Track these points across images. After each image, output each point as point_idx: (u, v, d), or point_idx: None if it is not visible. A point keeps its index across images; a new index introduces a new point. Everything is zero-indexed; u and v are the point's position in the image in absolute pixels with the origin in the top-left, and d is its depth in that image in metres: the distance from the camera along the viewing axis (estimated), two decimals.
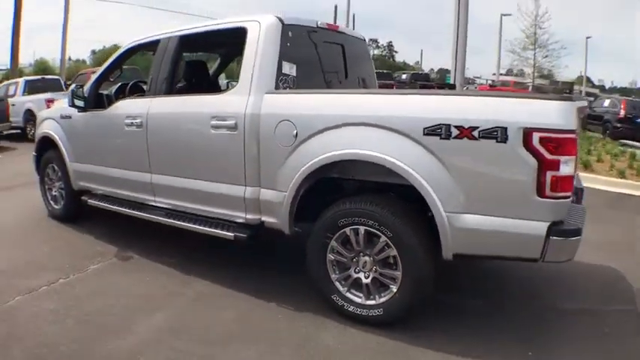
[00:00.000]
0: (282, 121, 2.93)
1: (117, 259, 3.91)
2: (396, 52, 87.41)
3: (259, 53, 3.13)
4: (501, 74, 39.64)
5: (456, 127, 2.37)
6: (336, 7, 37.06)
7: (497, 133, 2.30)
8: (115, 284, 3.41)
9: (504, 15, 35.11)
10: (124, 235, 4.34)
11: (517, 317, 2.97)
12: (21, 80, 13.54)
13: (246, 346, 2.60)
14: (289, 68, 3.21)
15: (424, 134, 2.45)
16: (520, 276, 3.63)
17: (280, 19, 3.19)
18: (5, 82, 14.86)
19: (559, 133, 2.26)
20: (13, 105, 11.76)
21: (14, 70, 20.86)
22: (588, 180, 6.65)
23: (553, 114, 2.28)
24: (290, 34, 3.23)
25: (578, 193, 3.23)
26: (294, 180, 2.88)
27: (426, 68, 66.57)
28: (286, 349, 2.57)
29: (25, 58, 46.15)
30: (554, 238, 2.32)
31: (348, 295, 2.84)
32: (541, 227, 2.32)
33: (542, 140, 2.25)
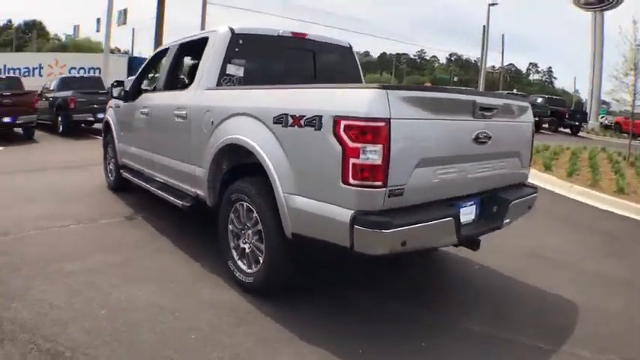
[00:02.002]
0: (207, 112, 3.73)
1: (124, 219, 5.11)
2: (555, 77, 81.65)
3: (209, 57, 3.98)
4: None
5: (291, 116, 2.82)
6: (484, 27, 36.87)
7: (315, 122, 2.64)
8: (107, 233, 4.59)
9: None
10: (144, 205, 5.56)
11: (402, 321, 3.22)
12: (58, 77, 15.90)
13: (143, 283, 3.45)
14: (235, 70, 3.99)
15: (273, 122, 2.97)
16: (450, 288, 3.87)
17: (231, 29, 3.99)
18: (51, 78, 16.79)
19: (363, 121, 2.40)
20: (50, 99, 13.71)
21: None
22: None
23: (360, 103, 2.44)
24: (240, 41, 4.00)
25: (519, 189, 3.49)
26: (209, 159, 3.64)
27: (583, 96, 61.04)
28: (169, 291, 3.34)
29: None
30: (358, 227, 2.43)
31: (239, 262, 3.45)
32: (345, 214, 2.47)
33: (346, 128, 2.44)
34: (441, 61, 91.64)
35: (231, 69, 3.97)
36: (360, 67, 4.99)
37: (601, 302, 3.53)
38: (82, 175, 7.55)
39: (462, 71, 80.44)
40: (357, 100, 2.49)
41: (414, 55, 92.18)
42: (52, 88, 14.27)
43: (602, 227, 5.85)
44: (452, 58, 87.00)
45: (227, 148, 3.45)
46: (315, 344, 2.71)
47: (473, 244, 3.20)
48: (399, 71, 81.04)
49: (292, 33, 4.37)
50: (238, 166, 3.53)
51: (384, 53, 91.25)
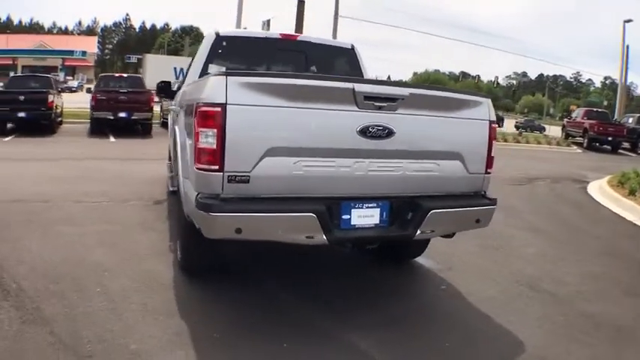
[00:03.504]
0: (179, 106, 4.30)
1: (153, 203, 5.98)
2: None
3: (197, 57, 4.58)
4: None
5: (187, 105, 3.06)
6: (627, 46, 31.48)
7: (192, 109, 2.85)
8: (125, 211, 5.45)
9: None
10: None
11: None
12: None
13: (110, 249, 4.09)
14: (217, 69, 4.50)
15: (185, 113, 3.36)
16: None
17: (216, 33, 4.52)
18: None
19: (204, 106, 2.53)
20: None
21: None
22: None
23: (206, 90, 2.59)
24: (224, 43, 4.51)
25: None
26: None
27: None
28: (123, 259, 3.90)
29: None
30: (196, 209, 2.59)
31: (177, 243, 3.78)
32: (193, 195, 2.66)
33: (196, 114, 2.61)
34: (595, 85, 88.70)
35: (213, 68, 4.49)
36: (363, 68, 5.06)
37: None
38: (151, 167, 8.58)
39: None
40: (206, 87, 2.64)
41: (570, 78, 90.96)
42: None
43: None
44: (606, 82, 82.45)
45: (172, 139, 3.97)
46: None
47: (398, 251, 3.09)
48: (554, 93, 76.71)
49: (281, 34, 4.73)
50: None
51: (542, 74, 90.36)
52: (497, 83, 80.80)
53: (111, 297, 3.21)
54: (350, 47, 5.03)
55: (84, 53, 56.91)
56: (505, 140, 20.74)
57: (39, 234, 4.35)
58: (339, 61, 5.01)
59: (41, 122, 12.93)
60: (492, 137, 3.19)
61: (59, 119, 14.70)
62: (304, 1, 27.66)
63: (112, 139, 13.09)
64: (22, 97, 12.27)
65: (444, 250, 4.46)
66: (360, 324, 3.06)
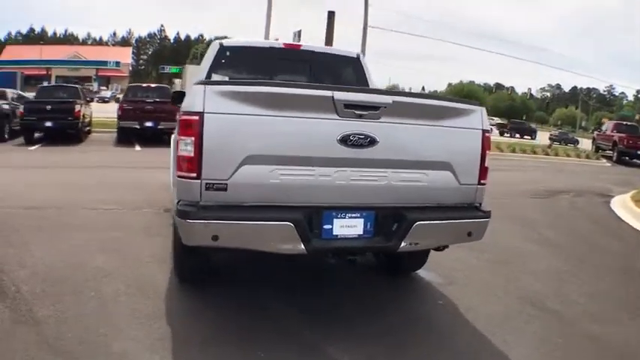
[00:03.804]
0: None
1: (162, 211, 6.11)
2: None
3: (200, 68, 4.69)
4: None
5: (183, 112, 2.89)
6: None
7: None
8: (135, 218, 5.59)
9: None
10: None
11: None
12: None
13: (113, 254, 4.20)
14: (220, 78, 4.60)
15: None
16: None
17: (220, 43, 4.63)
18: None
19: (184, 115, 2.62)
20: None
21: None
22: None
23: (187, 99, 2.70)
24: (227, 53, 4.61)
25: None
26: None
27: None
28: (124, 264, 4.00)
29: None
30: (175, 216, 2.69)
31: None
32: (175, 202, 2.74)
33: (179, 122, 2.72)
34: (628, 98, 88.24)
35: (216, 77, 4.60)
36: (369, 76, 5.07)
37: None
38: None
39: None
40: (187, 97, 2.73)
41: (604, 91, 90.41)
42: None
43: None
44: (638, 95, 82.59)
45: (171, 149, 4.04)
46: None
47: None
48: (587, 106, 75.51)
49: (284, 44, 4.81)
50: None
51: (575, 87, 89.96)
52: (531, 95, 79.85)
53: (104, 301, 3.30)
54: (355, 56, 5.06)
55: (118, 64, 58.75)
56: (534, 153, 20.48)
57: (46, 239, 4.51)
58: (344, 71, 5.03)
59: (68, 131, 13.41)
60: (486, 147, 3.10)
61: (87, 128, 15.21)
62: (334, 12, 28.12)
63: (137, 148, 13.46)
64: (49, 107, 12.77)
65: (449, 264, 4.40)
66: (342, 337, 3.03)
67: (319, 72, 4.89)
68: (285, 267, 4.02)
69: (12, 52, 56.96)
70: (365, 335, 3.08)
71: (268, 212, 2.65)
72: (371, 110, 2.74)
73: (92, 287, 3.50)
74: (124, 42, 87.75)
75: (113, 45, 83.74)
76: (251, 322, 3.15)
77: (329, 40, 27.22)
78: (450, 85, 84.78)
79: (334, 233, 2.82)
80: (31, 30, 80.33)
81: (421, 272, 4.22)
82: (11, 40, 74.13)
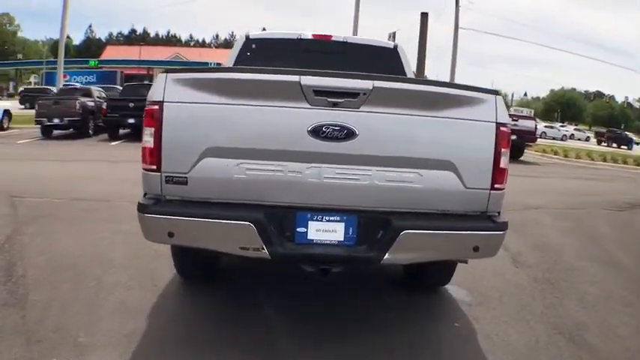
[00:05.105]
0: None
1: None
2: None
3: (225, 62, 4.71)
4: None
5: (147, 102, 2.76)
6: None
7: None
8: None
9: None
10: None
11: None
12: None
13: (126, 246, 4.36)
14: None
15: None
16: None
17: (247, 35, 4.61)
18: None
19: (147, 105, 2.54)
20: None
21: None
22: None
23: (152, 88, 2.61)
24: (253, 46, 4.58)
25: None
26: None
27: None
28: (132, 253, 4.15)
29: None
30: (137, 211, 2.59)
31: None
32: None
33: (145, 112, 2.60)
34: None
35: None
36: (407, 68, 4.77)
37: None
38: None
39: None
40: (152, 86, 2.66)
41: None
42: None
43: None
44: None
45: None
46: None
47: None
48: None
49: (313, 35, 4.66)
50: None
51: None
52: (629, 104, 75.12)
53: (99, 291, 3.44)
54: (392, 47, 4.78)
55: (218, 65, 61.90)
56: (625, 163, 19.47)
57: (75, 229, 4.86)
58: (380, 62, 4.73)
59: None
60: (502, 143, 2.63)
61: None
62: (427, 14, 27.56)
63: None
64: (131, 104, 13.82)
65: (487, 280, 4.06)
66: (332, 354, 2.85)
67: (351, 64, 4.66)
68: (294, 270, 3.87)
69: (112, 52, 62.45)
70: (356, 355, 2.87)
71: (227, 210, 2.49)
72: (348, 98, 2.48)
73: (95, 277, 3.68)
74: (227, 44, 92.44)
75: (216, 47, 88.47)
76: (236, 327, 3.08)
77: (422, 42, 26.65)
78: (552, 91, 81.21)
79: (309, 237, 2.61)
80: (132, 31, 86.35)
81: (451, 287, 3.87)
82: (112, 41, 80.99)
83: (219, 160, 2.49)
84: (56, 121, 14.02)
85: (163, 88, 2.50)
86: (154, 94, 2.53)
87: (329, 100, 2.48)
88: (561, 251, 5.16)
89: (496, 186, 2.68)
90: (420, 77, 22.96)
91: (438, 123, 2.59)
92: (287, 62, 4.62)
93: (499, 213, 2.76)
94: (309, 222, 2.61)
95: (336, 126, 2.48)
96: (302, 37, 4.63)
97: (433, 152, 2.60)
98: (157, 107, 2.49)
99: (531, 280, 4.23)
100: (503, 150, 2.65)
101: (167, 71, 2.56)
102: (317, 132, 2.47)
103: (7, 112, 16.16)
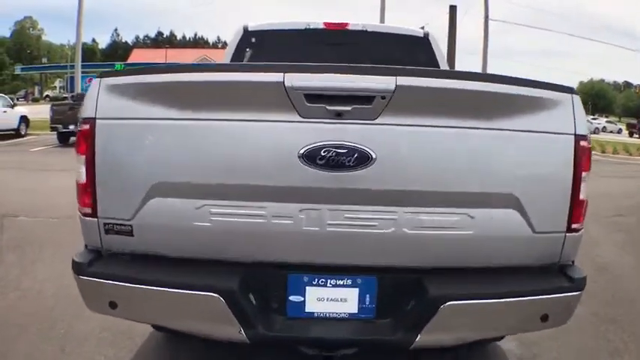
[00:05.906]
0: None
1: None
2: None
3: (223, 59, 4.05)
4: None
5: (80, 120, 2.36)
6: None
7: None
8: None
9: None
10: None
11: None
12: None
13: None
14: None
15: None
16: None
17: (245, 27, 3.93)
18: None
19: (80, 123, 1.97)
20: None
21: None
22: None
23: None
24: (253, 39, 3.90)
25: None
26: None
27: None
28: None
29: None
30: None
31: None
32: None
33: None
34: None
35: None
36: (442, 61, 3.98)
37: None
38: None
39: None
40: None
41: None
42: None
43: None
44: None
45: None
46: None
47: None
48: None
49: (325, 24, 3.92)
50: None
51: None
52: None
53: (64, 344, 2.92)
54: (422, 36, 4.00)
55: None
56: None
57: (59, 259, 4.30)
58: (408, 54, 3.95)
59: None
60: (582, 165, 1.85)
61: None
62: (456, 7, 26.69)
63: None
64: None
65: None
66: None
67: (374, 57, 3.90)
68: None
69: (139, 56, 62.62)
70: None
71: (185, 274, 1.79)
72: (358, 104, 1.73)
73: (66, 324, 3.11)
74: None
75: None
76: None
77: (452, 35, 25.73)
78: (581, 83, 77.38)
79: (308, 310, 1.88)
80: (159, 34, 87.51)
81: None
82: (139, 44, 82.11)
83: (173, 201, 1.78)
84: (72, 127, 13.67)
85: (96, 100, 1.80)
86: (85, 108, 1.84)
87: (329, 108, 1.72)
88: (621, 275, 4.46)
89: (574, 226, 1.89)
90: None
91: (493, 139, 1.81)
92: (296, 58, 3.91)
93: (573, 262, 1.99)
94: (307, 287, 1.87)
95: (341, 148, 1.71)
96: (311, 26, 3.90)
97: (488, 183, 1.82)
98: (87, 127, 1.80)
99: (594, 317, 3.44)
100: (583, 174, 1.86)
101: (102, 75, 1.84)
102: (312, 157, 1.71)
103: (24, 118, 16.08)
